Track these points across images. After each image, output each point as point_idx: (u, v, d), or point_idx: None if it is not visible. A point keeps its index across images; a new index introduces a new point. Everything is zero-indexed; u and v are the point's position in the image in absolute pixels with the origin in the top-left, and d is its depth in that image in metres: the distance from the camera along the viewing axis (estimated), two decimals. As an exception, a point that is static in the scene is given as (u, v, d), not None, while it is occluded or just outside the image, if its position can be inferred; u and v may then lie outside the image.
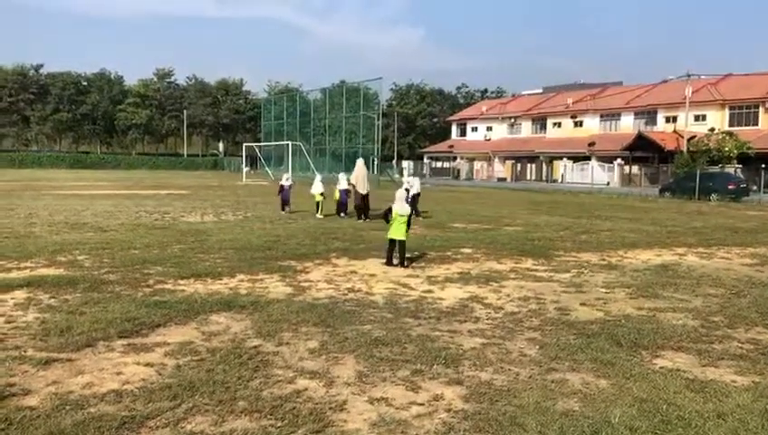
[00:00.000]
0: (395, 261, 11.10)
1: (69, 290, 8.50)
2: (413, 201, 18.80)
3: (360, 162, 20.36)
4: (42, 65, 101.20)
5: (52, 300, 7.96)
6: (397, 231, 11.12)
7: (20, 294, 8.21)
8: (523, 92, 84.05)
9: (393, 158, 79.46)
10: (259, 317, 7.32)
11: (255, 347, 6.18)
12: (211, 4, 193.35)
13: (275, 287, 9.10)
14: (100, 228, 15.69)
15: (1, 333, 6.47)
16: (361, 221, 18.82)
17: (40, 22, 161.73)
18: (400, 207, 11.32)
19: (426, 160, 78.73)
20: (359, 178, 19.56)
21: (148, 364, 5.63)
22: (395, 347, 6.29)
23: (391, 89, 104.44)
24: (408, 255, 11.57)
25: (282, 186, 22.00)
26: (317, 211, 20.35)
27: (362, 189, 19.40)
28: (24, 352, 5.88)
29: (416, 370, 5.66)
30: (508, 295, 8.98)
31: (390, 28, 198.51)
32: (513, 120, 74.19)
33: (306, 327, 6.95)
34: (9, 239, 13.34)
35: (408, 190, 17.22)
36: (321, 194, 20.64)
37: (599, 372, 5.73)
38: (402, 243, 11.18)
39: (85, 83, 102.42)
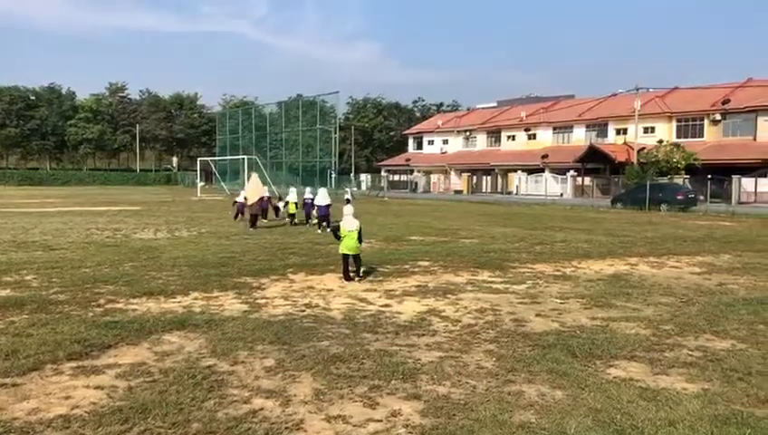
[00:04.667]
0: (352, 275, 11.08)
1: (15, 311, 8.23)
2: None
3: (254, 176, 23.82)
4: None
5: (-3, 322, 7.68)
6: (348, 246, 11.15)
7: (-38, 318, 7.91)
8: (478, 106, 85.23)
9: (351, 171, 79.51)
10: (214, 336, 7.20)
11: (210, 367, 6.07)
12: (166, 18, 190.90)
13: (231, 305, 8.97)
14: (50, 247, 15.26)
15: (-59, 358, 6.21)
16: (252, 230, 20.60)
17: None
18: (348, 223, 11.35)
19: (383, 173, 78.90)
20: (250, 190, 22.49)
21: (98, 387, 5.47)
22: (353, 363, 6.25)
23: (348, 102, 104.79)
24: (364, 268, 11.59)
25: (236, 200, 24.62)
26: (292, 220, 23.10)
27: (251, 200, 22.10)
28: (-34, 378, 5.66)
29: (373, 385, 5.63)
30: (465, 308, 9.03)
31: (348, 43, 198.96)
32: (468, 134, 75.06)
33: (262, 345, 6.86)
34: (-49, 260, 12.87)
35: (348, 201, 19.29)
36: (296, 204, 23.41)
37: (554, 383, 5.79)
38: (356, 256, 11.24)
39: (33, 98, 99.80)
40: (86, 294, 9.42)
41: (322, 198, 21.51)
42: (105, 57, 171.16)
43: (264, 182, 36.57)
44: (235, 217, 24.25)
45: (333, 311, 8.70)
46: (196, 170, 61.94)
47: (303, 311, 8.67)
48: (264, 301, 9.27)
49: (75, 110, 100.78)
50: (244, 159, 51.63)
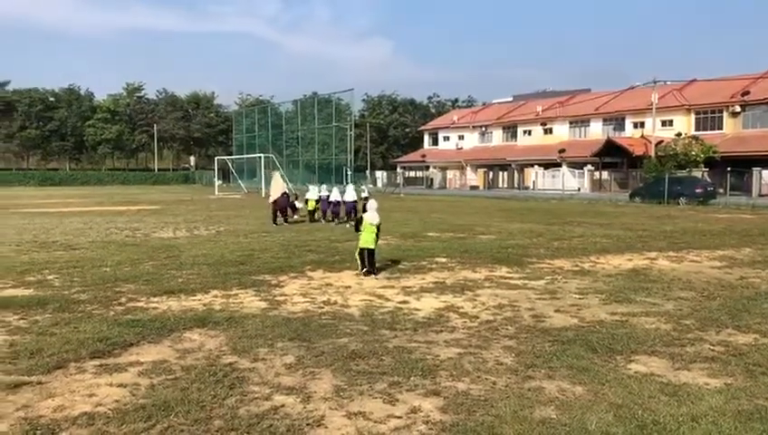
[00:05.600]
0: (368, 270, 11.18)
1: (38, 311, 8.34)
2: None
3: (276, 173, 24.69)
4: (8, 82, 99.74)
5: (22, 321, 7.79)
6: (366, 240, 11.25)
7: (-13, 317, 8.03)
8: (494, 101, 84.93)
9: (366, 168, 79.63)
10: (234, 333, 7.25)
11: (231, 364, 6.12)
12: (181, 18, 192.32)
13: (250, 302, 9.03)
14: (71, 247, 15.44)
15: (-33, 358, 6.32)
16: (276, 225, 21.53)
17: (4, 37, 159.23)
18: (371, 217, 11.49)
19: (399, 170, 78.95)
20: (273, 187, 22.99)
21: (121, 385, 5.53)
22: (372, 360, 6.27)
23: (363, 100, 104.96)
24: (379, 265, 11.65)
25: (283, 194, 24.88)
26: (312, 217, 23.48)
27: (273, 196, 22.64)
28: (-7, 377, 5.75)
29: (393, 382, 5.65)
30: (483, 304, 9.01)
31: (361, 41, 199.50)
32: (484, 129, 74.84)
33: (282, 342, 6.90)
34: (-25, 260, 13.06)
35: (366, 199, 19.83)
36: (316, 201, 23.95)
37: (574, 378, 5.77)
38: (372, 251, 11.30)
39: (53, 99, 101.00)
40: (107, 293, 9.53)
41: (350, 194, 22.44)
42: (122, 58, 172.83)
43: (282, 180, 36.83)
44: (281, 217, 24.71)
45: (351, 308, 8.73)
46: (214, 169, 62.30)
47: (322, 308, 8.70)
48: (282, 298, 9.32)
49: (94, 110, 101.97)
50: (260, 157, 51.89)
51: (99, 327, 7.41)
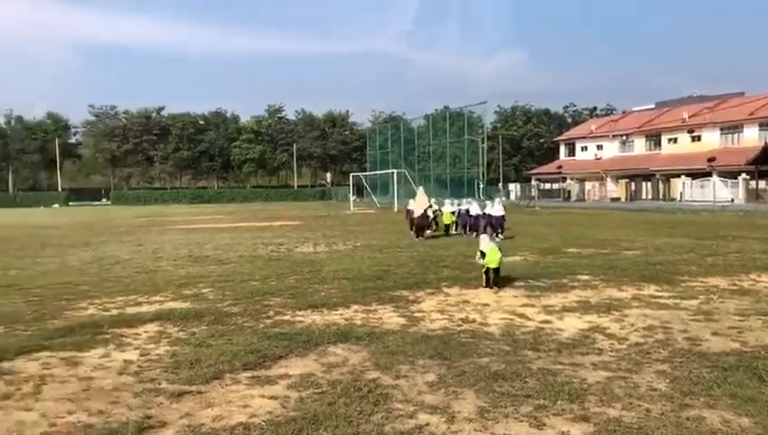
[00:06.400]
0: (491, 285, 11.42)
1: (195, 323, 8.93)
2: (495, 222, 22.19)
3: (420, 189, 24.65)
4: (163, 108, 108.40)
5: (181, 333, 8.39)
6: (493, 259, 11.44)
7: (151, 328, 8.71)
8: (635, 109, 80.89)
9: (499, 181, 78.62)
10: (376, 349, 7.37)
11: (374, 380, 6.22)
12: (318, 41, 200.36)
13: (389, 318, 9.16)
14: (221, 261, 16.45)
15: (137, 365, 6.88)
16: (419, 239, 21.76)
17: (161, 67, 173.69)
18: (485, 245, 11.88)
19: (533, 182, 77.20)
20: (417, 202, 23.37)
21: (272, 397, 5.79)
22: (515, 381, 6.14)
23: (496, 111, 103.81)
24: (522, 283, 11.49)
25: (408, 209, 25.86)
26: (447, 231, 23.77)
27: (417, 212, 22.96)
28: (159, 384, 6.21)
29: (539, 405, 5.49)
30: (632, 325, 8.56)
31: (494, 53, 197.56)
32: (624, 138, 71.49)
33: (423, 360, 6.92)
34: (140, 274, 14.24)
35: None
36: (453, 214, 24.18)
37: (739, 409, 5.33)
38: (497, 269, 11.50)
39: (202, 122, 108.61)
40: (256, 307, 10.04)
41: (497, 209, 22.54)
42: (264, 81, 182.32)
43: (414, 195, 37.24)
44: (411, 227, 25.16)
45: (491, 326, 8.60)
46: (349, 185, 64.16)
47: (461, 326, 8.65)
48: (420, 314, 9.37)
49: (239, 132, 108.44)
50: (393, 172, 52.75)
51: (250, 340, 7.81)
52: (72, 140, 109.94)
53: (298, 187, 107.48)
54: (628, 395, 5.73)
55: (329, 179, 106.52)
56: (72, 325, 8.78)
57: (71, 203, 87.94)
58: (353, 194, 62.55)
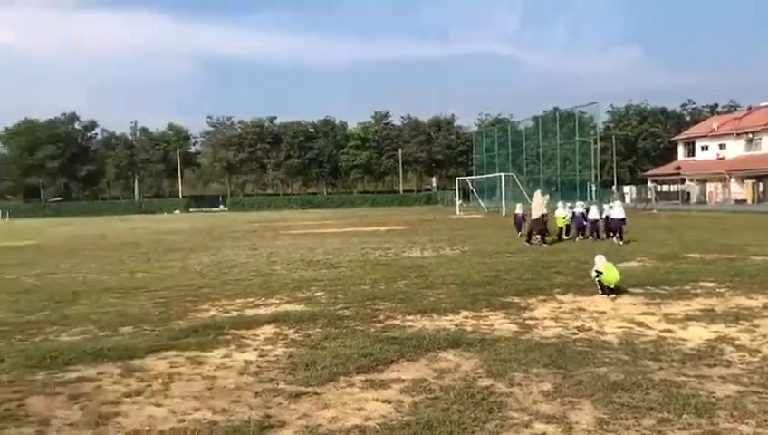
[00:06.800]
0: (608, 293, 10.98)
1: (310, 325, 9.18)
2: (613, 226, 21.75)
3: (537, 193, 23.27)
4: (275, 117, 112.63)
5: (297, 335, 8.64)
6: (609, 280, 10.94)
7: (268, 329, 9.04)
8: (762, 104, 75.53)
9: (612, 183, 75.75)
10: (488, 356, 7.27)
11: (487, 387, 6.14)
12: (422, 45, 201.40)
13: (501, 324, 9.03)
14: (332, 265, 16.83)
15: (257, 366, 7.16)
16: (545, 245, 20.88)
17: (272, 78, 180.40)
18: (600, 264, 11.27)
19: (650, 184, 73.74)
20: (534, 206, 22.30)
21: (386, 401, 5.84)
22: (636, 393, 5.87)
23: (608, 111, 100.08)
24: (640, 290, 11.04)
25: (515, 214, 25.88)
26: (560, 235, 22.97)
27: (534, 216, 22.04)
28: (277, 384, 6.43)
29: (662, 419, 5.22)
30: (764, 336, 7.98)
31: (605, 50, 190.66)
32: (750, 136, 66.87)
33: (537, 368, 6.76)
34: (256, 277, 14.83)
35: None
36: (564, 218, 23.40)
37: None
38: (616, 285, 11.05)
39: (312, 130, 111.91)
40: (367, 311, 10.19)
41: (617, 211, 21.88)
42: (370, 88, 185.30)
43: (522, 199, 36.60)
44: (518, 230, 25.05)
45: (608, 335, 8.29)
46: (455, 189, 63.94)
47: (576, 334, 8.39)
48: (533, 322, 9.17)
49: (346, 139, 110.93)
50: (500, 176, 52.05)
51: (362, 343, 7.93)
52: (192, 150, 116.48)
53: (404, 192, 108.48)
54: (763, 411, 5.35)
55: (434, 184, 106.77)
56: (195, 326, 9.26)
57: (191, 209, 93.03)
58: (459, 198, 62.27)
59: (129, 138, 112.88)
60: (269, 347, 8.01)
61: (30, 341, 8.64)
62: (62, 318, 10.15)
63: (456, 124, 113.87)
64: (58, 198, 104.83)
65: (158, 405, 5.91)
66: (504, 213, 43.77)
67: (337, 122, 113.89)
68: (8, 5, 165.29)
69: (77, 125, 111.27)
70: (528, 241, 21.58)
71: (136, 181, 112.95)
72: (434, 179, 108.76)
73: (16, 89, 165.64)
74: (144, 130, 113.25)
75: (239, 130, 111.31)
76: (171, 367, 7.19)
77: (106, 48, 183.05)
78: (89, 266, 18.34)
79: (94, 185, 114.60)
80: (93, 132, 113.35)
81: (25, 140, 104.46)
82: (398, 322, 9.32)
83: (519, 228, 25.24)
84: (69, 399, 6.09)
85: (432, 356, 7.35)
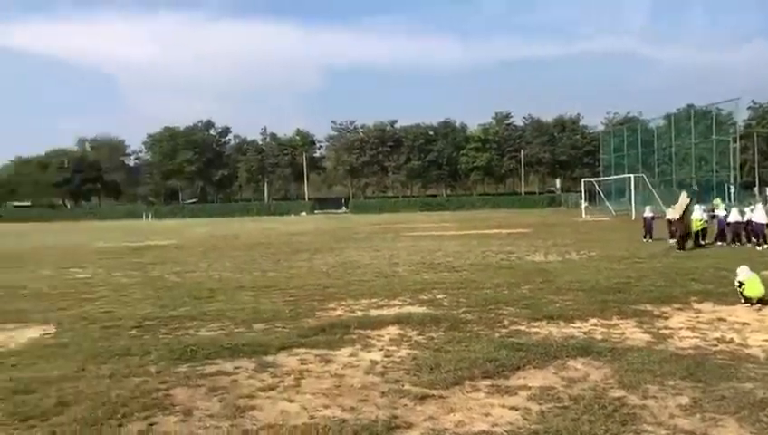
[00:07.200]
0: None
1: (433, 328, 9.23)
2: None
3: (683, 194, 22.30)
4: (396, 120, 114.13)
5: (420, 337, 8.72)
6: (753, 290, 10.27)
7: (393, 330, 9.18)
8: None
9: (754, 184, 70.34)
10: (619, 366, 6.99)
11: (619, 398, 5.91)
12: (545, 44, 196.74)
13: (632, 333, 8.65)
14: (453, 268, 16.81)
15: (382, 366, 7.29)
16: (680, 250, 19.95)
17: (393, 82, 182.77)
18: (743, 275, 10.60)
19: (800, 185, 67.77)
20: (677, 207, 21.47)
21: (512, 407, 5.77)
22: (788, 412, 5.44)
23: (749, 108, 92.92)
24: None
25: (644, 217, 25.26)
26: (697, 239, 21.53)
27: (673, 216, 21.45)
28: (402, 385, 6.52)
29: (819, 443, 4.80)
30: None
31: (745, 42, 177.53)
32: None
33: (673, 380, 6.42)
34: (378, 279, 15.10)
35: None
36: (701, 221, 21.97)
37: None
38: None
39: (432, 133, 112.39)
40: (490, 315, 10.09)
41: (759, 215, 20.74)
42: (490, 88, 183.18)
43: (652, 201, 34.80)
44: (645, 236, 24.34)
45: (753, 348, 7.72)
46: (580, 191, 61.81)
47: (716, 346, 7.89)
48: (667, 331, 8.71)
49: (466, 140, 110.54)
50: (630, 177, 49.75)
51: (486, 348, 7.86)
52: (317, 154, 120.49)
53: (525, 193, 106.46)
54: None
55: (558, 185, 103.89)
56: (323, 325, 9.57)
57: (315, 211, 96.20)
58: (585, 200, 60.12)
59: (260, 143, 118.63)
60: (393, 348, 8.13)
61: (173, 335, 9.27)
62: (201, 314, 10.83)
63: (581, 124, 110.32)
64: (194, 200, 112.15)
65: (291, 401, 6.16)
66: (633, 216, 41.78)
67: (457, 124, 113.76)
68: (152, 21, 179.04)
69: (212, 132, 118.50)
70: (681, 247, 20.23)
71: (265, 184, 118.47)
72: (557, 181, 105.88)
73: (159, 98, 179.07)
74: (273, 135, 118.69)
75: (361, 133, 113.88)
76: (301, 364, 7.48)
77: (238, 58, 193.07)
78: (224, 265, 19.44)
79: (227, 188, 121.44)
80: (227, 138, 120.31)
81: (166, 146, 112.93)
82: (522, 327, 9.16)
83: (648, 231, 24.23)
84: (209, 391, 6.48)
85: (560, 364, 7.17)
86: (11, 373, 7.21)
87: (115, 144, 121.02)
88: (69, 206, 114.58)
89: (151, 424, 5.55)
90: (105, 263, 21.32)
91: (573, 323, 9.43)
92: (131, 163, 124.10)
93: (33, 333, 9.64)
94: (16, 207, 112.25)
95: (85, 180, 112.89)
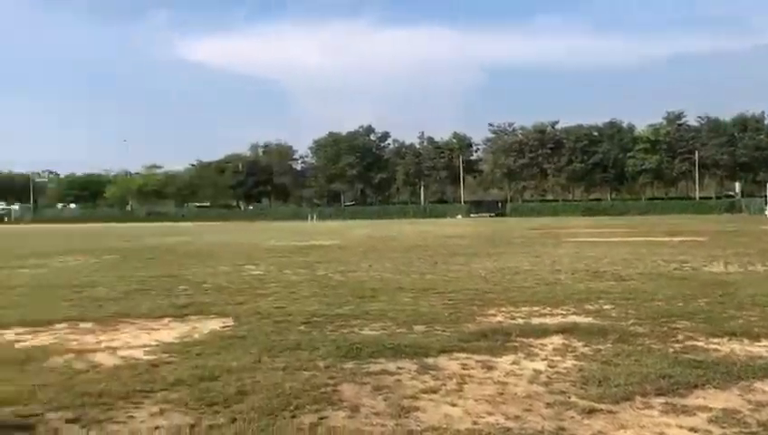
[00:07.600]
0: None
1: (600, 339, 8.81)
2: None
3: None
4: (557, 121, 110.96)
5: (586, 348, 8.36)
6: None
7: (556, 340, 8.88)
8: None
9: None
10: (817, 392, 6.27)
11: (818, 430, 5.30)
12: (721, 38, 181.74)
13: (832, 357, 7.72)
14: (620, 277, 15.98)
15: (546, 376, 7.09)
16: None
17: (554, 81, 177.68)
18: None
19: None
20: None
21: (691, 429, 5.37)
22: None
23: None
24: None
25: None
26: None
27: None
28: (569, 397, 6.29)
29: None
30: None
31: None
32: None
33: None
34: (540, 286, 14.70)
35: None
36: None
37: None
38: None
39: (596, 134, 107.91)
40: (663, 329, 9.46)
41: None
42: (661, 87, 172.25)
43: None
44: None
45: None
46: (765, 196, 56.33)
47: None
48: None
49: (634, 142, 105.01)
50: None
51: (660, 363, 7.38)
52: (473, 157, 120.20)
53: (700, 198, 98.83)
54: None
55: (738, 190, 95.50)
56: (483, 330, 9.49)
57: (471, 214, 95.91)
58: (770, 206, 54.78)
59: (417, 147, 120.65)
60: (558, 358, 7.88)
61: (339, 332, 9.64)
62: (364, 313, 11.16)
63: (766, 123, 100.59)
64: (353, 203, 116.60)
65: (453, 405, 6.17)
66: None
67: (624, 125, 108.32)
68: (321, 29, 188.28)
69: (372, 136, 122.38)
70: None
71: (422, 187, 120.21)
72: (737, 185, 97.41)
73: (324, 105, 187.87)
74: (430, 139, 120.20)
75: (520, 135, 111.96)
76: (463, 368, 7.47)
77: (397, 64, 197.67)
78: (383, 266, 19.94)
79: (385, 190, 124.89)
80: (386, 142, 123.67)
81: (330, 150, 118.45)
82: (700, 343, 8.49)
83: None
84: (373, 389, 6.66)
85: (744, 386, 6.56)
86: (197, 361, 7.87)
87: (284, 149, 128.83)
88: (242, 207, 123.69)
89: (321, 417, 5.81)
90: (275, 261, 22.68)
91: (760, 341, 8.58)
92: (298, 167, 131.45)
93: (214, 325, 10.46)
94: (197, 207, 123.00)
95: (257, 183, 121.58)
